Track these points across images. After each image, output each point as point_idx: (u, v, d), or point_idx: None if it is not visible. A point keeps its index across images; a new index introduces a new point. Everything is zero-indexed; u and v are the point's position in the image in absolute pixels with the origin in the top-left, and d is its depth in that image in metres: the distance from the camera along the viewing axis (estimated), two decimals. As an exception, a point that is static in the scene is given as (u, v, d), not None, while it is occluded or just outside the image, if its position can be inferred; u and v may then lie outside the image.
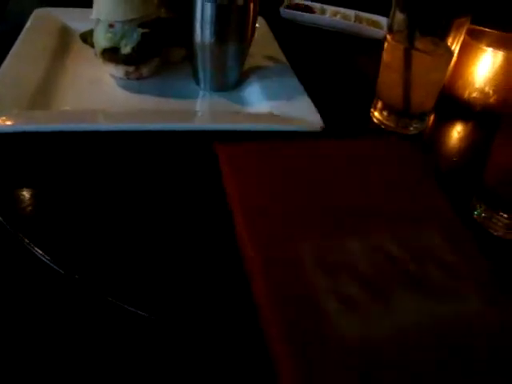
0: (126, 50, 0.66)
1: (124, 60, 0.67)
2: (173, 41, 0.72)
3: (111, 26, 0.66)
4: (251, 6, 0.65)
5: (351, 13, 1.00)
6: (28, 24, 0.79)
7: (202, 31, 0.66)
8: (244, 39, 0.68)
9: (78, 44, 0.75)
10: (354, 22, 0.98)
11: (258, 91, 0.70)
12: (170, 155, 0.60)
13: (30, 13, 0.83)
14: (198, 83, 0.72)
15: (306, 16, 0.97)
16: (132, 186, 0.55)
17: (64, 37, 0.80)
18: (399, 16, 0.66)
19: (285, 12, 0.98)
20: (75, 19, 0.82)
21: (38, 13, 0.83)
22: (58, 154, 0.58)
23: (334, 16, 0.99)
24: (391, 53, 0.69)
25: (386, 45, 0.69)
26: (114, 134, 0.59)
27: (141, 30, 0.66)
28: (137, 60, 0.68)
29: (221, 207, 0.51)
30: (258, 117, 0.65)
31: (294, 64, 0.77)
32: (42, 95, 0.65)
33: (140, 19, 0.66)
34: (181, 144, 0.60)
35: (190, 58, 0.70)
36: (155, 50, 0.70)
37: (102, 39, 0.67)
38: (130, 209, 0.52)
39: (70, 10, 0.85)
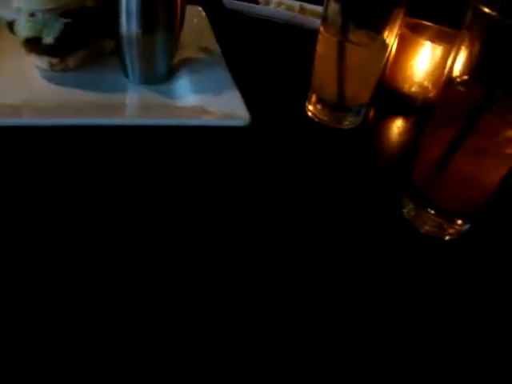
0: (48, 40, 0.63)
1: (47, 51, 0.64)
2: (101, 32, 0.69)
3: (32, 15, 0.63)
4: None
5: (295, 4, 0.98)
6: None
7: (128, 22, 0.63)
8: (172, 30, 0.66)
9: (6, 33, 0.72)
10: (298, 12, 0.96)
11: (188, 84, 0.68)
12: (93, 150, 0.57)
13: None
14: (126, 76, 0.69)
15: (249, 6, 0.95)
16: (56, 186, 0.52)
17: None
18: (333, 5, 0.64)
19: (228, 2, 0.96)
20: (5, 6, 0.78)
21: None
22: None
23: (278, 7, 0.97)
24: (325, 45, 0.67)
25: (319, 36, 0.67)
26: (34, 129, 0.56)
27: (63, 20, 0.63)
28: (61, 51, 0.65)
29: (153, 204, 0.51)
30: (183, 111, 0.63)
31: (231, 57, 0.75)
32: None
33: (62, 8, 0.63)
34: (105, 139, 0.58)
35: (118, 48, 0.67)
36: (81, 40, 0.67)
37: (23, 28, 0.64)
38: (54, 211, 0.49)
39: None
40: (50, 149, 0.56)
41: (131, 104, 0.67)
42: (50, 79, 0.67)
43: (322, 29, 0.66)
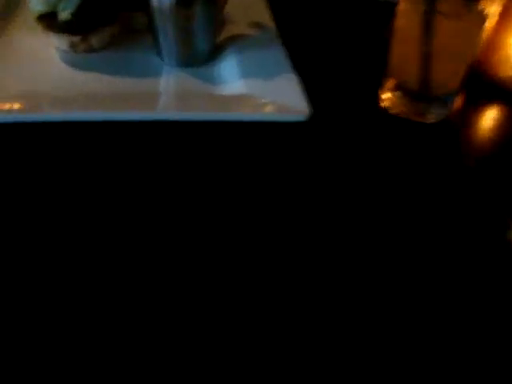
0: (64, 15, 0.53)
1: (65, 28, 0.54)
2: (131, 4, 0.58)
3: (46, -16, 0.52)
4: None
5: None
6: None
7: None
8: (214, 1, 0.53)
9: (25, 9, 0.62)
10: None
11: (235, 68, 0.57)
12: (123, 147, 0.48)
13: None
14: (161, 57, 0.58)
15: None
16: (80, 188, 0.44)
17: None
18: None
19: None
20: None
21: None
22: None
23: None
24: (406, 17, 0.54)
25: (399, 6, 0.54)
26: (50, 124, 0.48)
27: (81, -8, 0.52)
28: (82, 28, 0.55)
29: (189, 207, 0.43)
30: (229, 103, 0.52)
31: (287, 33, 0.63)
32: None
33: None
34: (134, 135, 0.49)
35: (150, 25, 0.56)
36: (106, 15, 0.56)
37: (35, 2, 0.53)
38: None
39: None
40: (71, 146, 0.48)
41: (166, 93, 0.56)
42: (70, 62, 0.57)
43: (402, -3, 0.53)
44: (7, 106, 0.49)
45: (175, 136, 0.49)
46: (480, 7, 0.51)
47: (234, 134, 0.50)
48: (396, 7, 0.54)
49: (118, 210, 0.43)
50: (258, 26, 0.63)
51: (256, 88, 0.53)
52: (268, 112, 0.49)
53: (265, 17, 0.64)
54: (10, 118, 0.48)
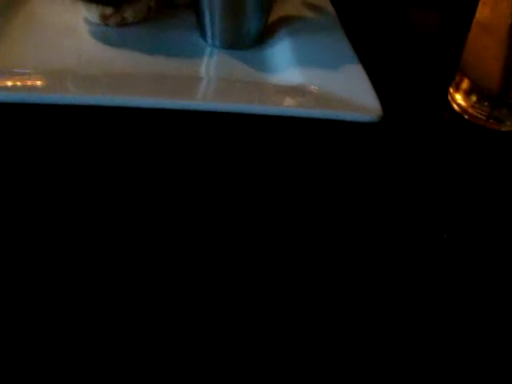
0: (96, -18, 0.46)
1: (98, -3, 0.47)
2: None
3: None
4: None
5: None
6: None
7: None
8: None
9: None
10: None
11: (288, 53, 0.49)
12: (158, 138, 0.42)
13: None
14: (204, 37, 0.51)
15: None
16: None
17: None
18: None
19: None
20: None
21: None
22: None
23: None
24: (492, 8, 0.46)
25: (483, -4, 0.46)
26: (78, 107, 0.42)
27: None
28: (115, -1, 0.47)
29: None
30: (282, 93, 0.44)
31: (344, 17, 0.55)
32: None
33: None
34: (172, 125, 0.43)
35: (195, 3, 0.49)
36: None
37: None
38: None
39: None
40: (93, 130, 0.42)
41: (209, 78, 0.48)
42: (101, 36, 0.50)
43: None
44: (28, 84, 0.42)
45: (217, 129, 0.43)
46: None
47: (288, 132, 0.43)
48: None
49: (148, 200, 0.38)
50: (314, 7, 0.55)
51: (314, 79, 0.45)
52: (330, 109, 0.42)
53: (322, -1, 0.57)
54: (30, 98, 0.41)
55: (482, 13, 0.47)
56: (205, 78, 0.48)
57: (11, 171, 0.38)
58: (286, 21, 0.53)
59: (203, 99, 0.46)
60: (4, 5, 0.51)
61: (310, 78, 0.46)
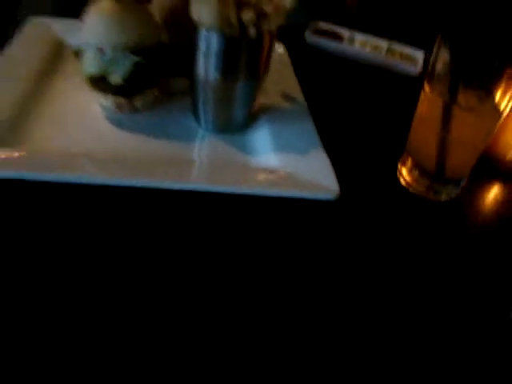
0: (115, 79, 0.57)
1: (113, 91, 0.57)
2: (174, 70, 0.62)
3: (101, 50, 0.56)
4: (266, 39, 0.55)
5: (383, 44, 0.89)
6: (17, 35, 0.70)
7: (206, 65, 0.56)
8: (255, 77, 0.58)
9: (71, 63, 0.66)
10: (386, 54, 0.87)
11: (267, 138, 0.60)
12: (158, 214, 0.51)
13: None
14: (198, 122, 0.62)
15: (333, 44, 0.87)
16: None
17: (56, 52, 0.71)
18: (443, 60, 0.55)
19: (310, 37, 0.88)
20: (72, 32, 0.72)
21: (32, 22, 0.74)
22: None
23: (363, 46, 0.88)
24: (428, 105, 0.58)
25: (422, 94, 0.58)
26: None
27: (134, 58, 0.56)
28: (129, 91, 0.58)
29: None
30: (262, 177, 0.55)
31: (313, 101, 0.67)
32: (17, 123, 0.56)
33: (135, 45, 0.56)
34: (169, 202, 0.52)
35: (191, 92, 0.60)
36: (151, 80, 0.60)
37: (88, 65, 0.57)
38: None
39: (68, 21, 0.75)
40: (105, 208, 0.50)
41: (200, 160, 0.58)
42: (115, 121, 0.60)
43: (426, 87, 0.57)
44: (47, 163, 0.51)
45: (205, 205, 0.52)
46: (495, 101, 0.55)
47: (262, 208, 0.53)
48: (421, 89, 0.59)
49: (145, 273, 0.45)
50: (287, 97, 0.67)
51: (287, 162, 0.56)
52: (299, 190, 0.52)
53: (295, 89, 0.69)
54: (49, 177, 0.50)
55: (421, 109, 0.59)
56: (196, 160, 0.58)
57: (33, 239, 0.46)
58: (265, 109, 0.64)
59: (194, 180, 0.55)
60: (28, 94, 0.61)
61: (282, 161, 0.56)
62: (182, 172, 0.54)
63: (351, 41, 0.89)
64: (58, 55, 0.71)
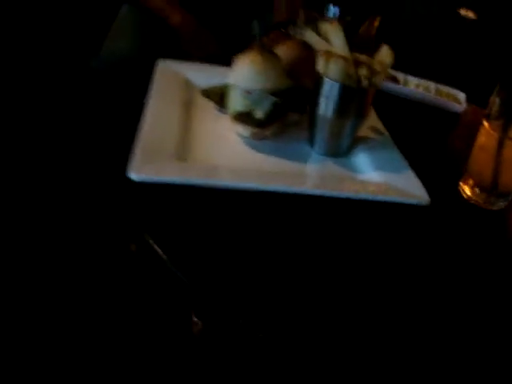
0: (258, 115, 0.76)
1: (255, 124, 0.77)
2: (297, 107, 0.82)
3: (248, 92, 0.75)
4: (373, 89, 0.75)
5: (432, 86, 1.10)
6: (155, 78, 0.88)
7: (326, 107, 0.76)
8: (361, 116, 0.78)
9: (200, 99, 0.86)
10: (435, 94, 1.08)
11: (366, 160, 0.80)
12: (278, 215, 0.68)
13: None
14: (312, 146, 0.81)
15: (392, 86, 1.07)
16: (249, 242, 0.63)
17: (187, 91, 0.89)
18: (497, 105, 0.76)
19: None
20: (195, 73, 0.92)
21: (162, 66, 0.93)
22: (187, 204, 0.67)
23: (416, 88, 1.09)
24: (486, 137, 0.78)
25: (481, 129, 0.79)
26: (234, 191, 0.68)
27: (273, 99, 0.76)
28: (265, 124, 0.78)
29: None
30: (368, 186, 0.74)
31: (393, 135, 0.87)
32: (180, 148, 0.74)
33: (274, 88, 0.75)
34: (290, 205, 0.69)
35: (310, 124, 0.80)
36: (280, 114, 0.79)
37: (237, 103, 0.77)
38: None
39: (190, 64, 0.95)
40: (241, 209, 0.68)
41: (317, 175, 0.80)
42: (249, 145, 0.79)
43: (485, 124, 0.78)
44: (201, 173, 0.70)
45: (320, 208, 0.70)
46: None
47: (364, 211, 0.71)
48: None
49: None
50: (375, 129, 0.88)
51: (384, 177, 0.75)
52: (399, 196, 0.72)
53: (378, 125, 0.89)
54: (191, 181, 0.68)
55: (480, 141, 0.80)
56: (311, 173, 0.79)
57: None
58: (360, 139, 0.84)
59: (316, 186, 0.76)
60: (182, 125, 0.79)
61: (381, 177, 0.76)
62: (303, 181, 0.75)
63: (406, 83, 1.10)
64: (189, 94, 0.88)
